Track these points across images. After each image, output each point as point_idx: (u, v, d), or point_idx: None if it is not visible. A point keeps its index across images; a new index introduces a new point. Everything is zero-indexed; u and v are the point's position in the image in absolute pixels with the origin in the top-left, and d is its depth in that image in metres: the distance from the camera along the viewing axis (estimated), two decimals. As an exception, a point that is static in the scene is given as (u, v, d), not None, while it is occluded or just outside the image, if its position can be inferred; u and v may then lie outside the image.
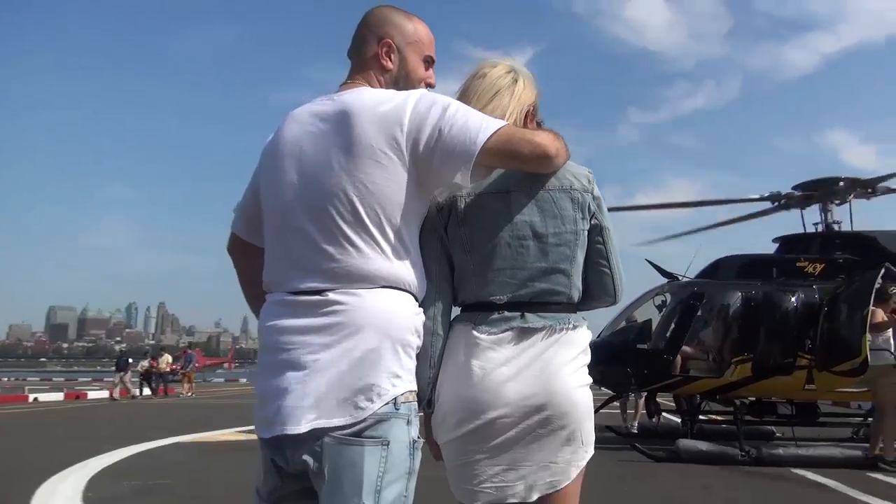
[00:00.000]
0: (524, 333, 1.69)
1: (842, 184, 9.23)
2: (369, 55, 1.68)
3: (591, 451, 1.72)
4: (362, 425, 1.44)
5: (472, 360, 1.68)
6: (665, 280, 9.44)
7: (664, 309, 9.13)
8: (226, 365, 62.26)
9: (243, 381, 46.00)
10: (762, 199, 10.15)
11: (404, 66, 1.69)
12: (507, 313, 1.70)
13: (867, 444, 7.70)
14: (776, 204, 10.03)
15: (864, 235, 9.15)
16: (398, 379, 1.50)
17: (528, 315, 1.70)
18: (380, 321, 1.49)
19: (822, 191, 9.44)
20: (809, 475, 6.86)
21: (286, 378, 1.49)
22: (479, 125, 1.55)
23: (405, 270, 1.56)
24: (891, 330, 7.60)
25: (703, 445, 7.75)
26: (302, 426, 1.45)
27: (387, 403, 1.47)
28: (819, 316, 8.19)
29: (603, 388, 9.16)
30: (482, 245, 1.73)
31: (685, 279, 9.29)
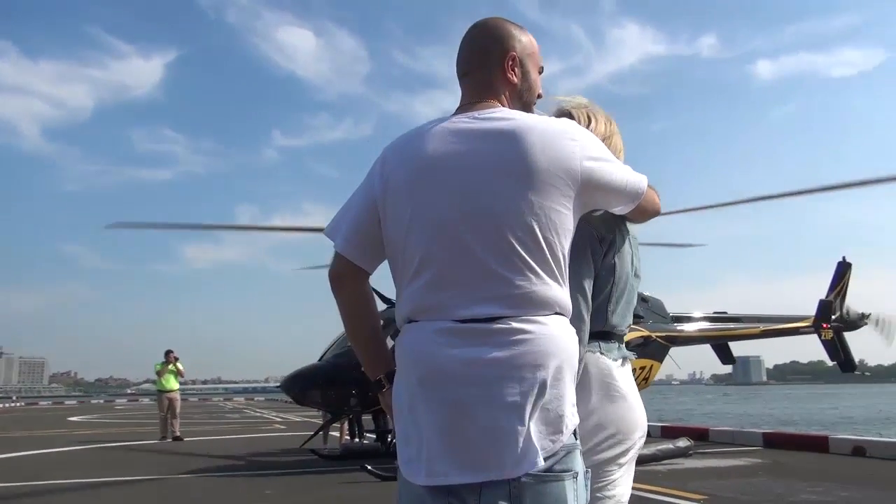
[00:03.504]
0: (625, 361, 1.90)
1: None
2: (495, 70, 1.62)
3: None
4: (554, 459, 1.41)
5: (616, 383, 1.81)
6: (386, 306, 9.90)
7: (385, 334, 9.54)
8: None
9: None
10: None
11: (527, 79, 1.65)
12: (616, 342, 1.89)
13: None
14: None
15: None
16: (574, 408, 1.49)
17: (622, 345, 1.92)
18: (562, 350, 1.46)
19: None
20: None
21: (478, 416, 1.38)
22: (635, 174, 1.66)
23: (568, 297, 1.54)
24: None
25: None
26: (508, 470, 1.37)
27: (570, 434, 1.45)
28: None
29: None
30: (620, 279, 1.87)
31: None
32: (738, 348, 14.14)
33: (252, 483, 8.15)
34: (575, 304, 1.66)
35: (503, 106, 1.59)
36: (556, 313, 1.48)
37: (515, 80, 1.62)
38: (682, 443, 9.59)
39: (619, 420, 1.78)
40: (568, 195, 1.50)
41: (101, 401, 71.66)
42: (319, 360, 9.50)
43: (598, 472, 1.73)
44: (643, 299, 12.01)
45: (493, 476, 1.36)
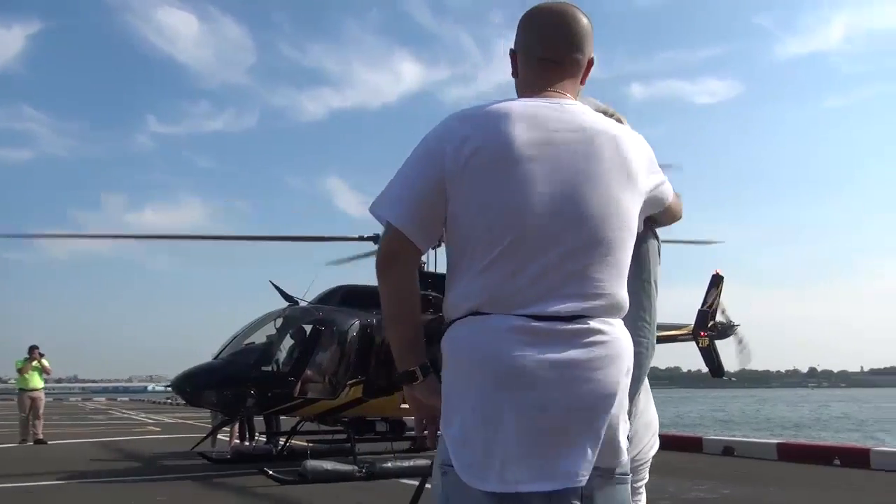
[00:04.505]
0: None
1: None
2: (583, 68, 1.61)
3: None
4: (616, 461, 1.43)
5: (648, 385, 1.86)
6: (286, 303, 9.58)
7: (285, 332, 9.24)
8: None
9: None
10: (362, 239, 11.14)
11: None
12: None
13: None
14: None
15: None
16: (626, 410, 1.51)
17: None
18: (629, 353, 1.47)
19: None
20: (412, 482, 7.88)
21: (561, 420, 1.36)
22: (669, 186, 1.70)
23: (628, 300, 1.54)
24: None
25: (327, 465, 8.05)
26: (584, 477, 1.35)
27: (625, 436, 1.47)
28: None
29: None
30: None
31: (305, 304, 9.61)
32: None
33: (140, 489, 7.61)
34: (651, 305, 1.68)
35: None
36: (620, 316, 1.49)
37: (585, 81, 1.63)
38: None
39: (656, 418, 1.83)
40: (641, 202, 1.54)
41: (-64, 400, 64.30)
42: (214, 358, 9.05)
43: (639, 471, 1.75)
44: None
45: (569, 484, 1.34)
